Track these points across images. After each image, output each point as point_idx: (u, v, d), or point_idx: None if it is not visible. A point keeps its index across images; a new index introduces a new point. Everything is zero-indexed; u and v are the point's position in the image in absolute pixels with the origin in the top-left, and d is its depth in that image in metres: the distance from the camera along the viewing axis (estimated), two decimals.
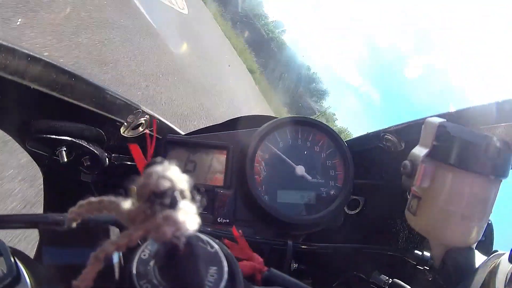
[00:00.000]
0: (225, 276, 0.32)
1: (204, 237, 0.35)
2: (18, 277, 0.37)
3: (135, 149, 0.31)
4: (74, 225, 0.30)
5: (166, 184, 0.23)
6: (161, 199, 0.23)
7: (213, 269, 0.32)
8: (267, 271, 0.46)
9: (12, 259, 0.38)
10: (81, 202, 0.30)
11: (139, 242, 0.27)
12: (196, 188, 0.25)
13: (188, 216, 0.23)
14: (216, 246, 0.34)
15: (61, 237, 0.32)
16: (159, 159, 0.25)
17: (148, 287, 0.30)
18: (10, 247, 0.39)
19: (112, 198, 0.28)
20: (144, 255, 0.32)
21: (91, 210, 0.29)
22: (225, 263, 0.33)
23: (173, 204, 0.23)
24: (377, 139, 0.84)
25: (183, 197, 0.24)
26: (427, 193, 0.49)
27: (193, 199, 0.25)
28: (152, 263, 0.31)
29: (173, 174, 0.24)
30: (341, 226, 0.90)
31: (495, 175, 0.47)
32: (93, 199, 0.29)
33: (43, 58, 0.61)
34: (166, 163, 0.24)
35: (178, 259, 0.24)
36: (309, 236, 0.91)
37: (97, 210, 0.28)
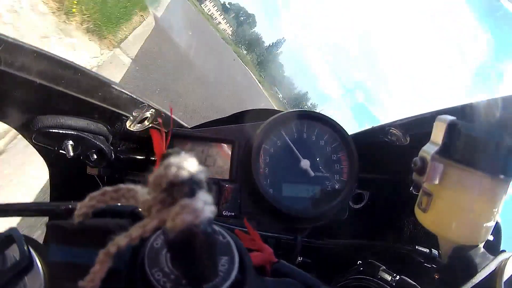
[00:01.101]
0: (236, 266, 0.32)
1: (216, 227, 0.35)
2: (31, 264, 0.38)
3: (156, 136, 0.31)
4: (83, 217, 0.31)
5: (185, 174, 0.23)
6: (180, 188, 0.23)
7: (224, 259, 0.32)
8: (277, 263, 0.46)
9: (26, 247, 0.39)
10: (93, 193, 0.30)
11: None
12: (206, 181, 0.25)
13: (205, 205, 0.23)
14: (228, 237, 0.35)
15: (70, 234, 0.32)
16: (176, 149, 0.25)
17: (159, 275, 0.30)
18: (24, 235, 0.40)
19: (130, 185, 0.28)
20: (157, 244, 0.32)
21: (105, 200, 0.30)
22: (236, 253, 0.33)
23: (192, 193, 0.23)
24: (382, 133, 0.84)
25: (201, 187, 0.24)
26: (438, 191, 0.49)
27: (209, 189, 0.25)
28: (164, 252, 0.31)
29: (191, 165, 0.24)
30: (346, 220, 0.90)
31: (505, 175, 0.47)
32: (108, 188, 0.29)
33: (48, 53, 0.61)
34: (183, 154, 0.25)
35: (194, 248, 0.25)
36: (314, 230, 0.91)
37: (113, 199, 0.29)
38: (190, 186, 0.23)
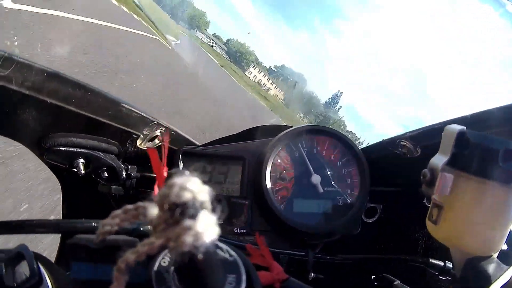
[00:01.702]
0: (243, 284, 0.32)
1: (223, 245, 0.35)
2: (40, 281, 0.38)
3: (153, 155, 0.32)
4: (106, 235, 0.31)
5: (187, 195, 0.23)
6: (182, 210, 0.23)
7: (231, 277, 0.32)
8: (286, 280, 0.46)
9: (35, 264, 0.39)
10: (116, 212, 0.31)
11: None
12: (217, 199, 0.25)
13: (207, 227, 0.23)
14: (235, 255, 0.34)
15: (90, 252, 0.33)
16: (180, 169, 0.26)
17: None
18: (33, 252, 0.40)
19: (146, 203, 0.28)
20: (164, 262, 0.32)
21: (127, 218, 0.30)
22: (243, 272, 0.33)
23: (194, 215, 0.23)
24: (392, 146, 0.83)
25: (204, 208, 0.24)
26: (448, 202, 0.48)
27: (213, 210, 0.25)
28: (172, 270, 0.31)
29: (194, 185, 0.24)
30: (359, 235, 0.89)
31: None
32: (129, 206, 0.30)
33: (59, 73, 0.62)
34: (187, 174, 0.25)
35: (196, 268, 0.25)
36: (326, 245, 0.90)
37: (134, 217, 0.29)
38: (192, 207, 0.23)
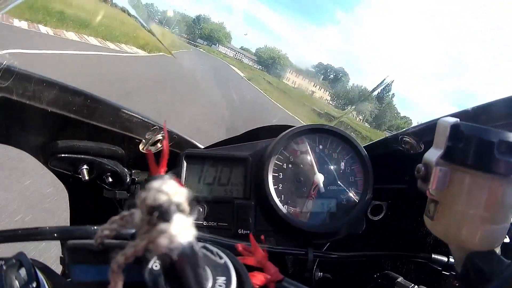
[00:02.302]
0: (233, 286, 0.32)
1: (214, 248, 0.35)
2: (38, 287, 0.39)
3: (150, 159, 0.32)
4: (104, 239, 0.32)
5: (162, 198, 0.24)
6: (157, 213, 0.23)
7: (221, 280, 0.32)
8: (281, 281, 0.46)
9: (33, 270, 0.40)
10: (114, 217, 0.31)
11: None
12: (197, 200, 0.26)
13: (182, 229, 0.23)
14: (225, 257, 0.35)
15: (89, 254, 0.34)
16: (162, 173, 0.26)
17: None
18: (31, 259, 0.41)
19: (129, 212, 0.29)
20: (156, 266, 0.32)
21: (123, 224, 0.31)
22: (233, 273, 0.33)
23: (167, 217, 0.23)
24: (395, 142, 0.83)
25: (180, 210, 0.24)
26: (444, 197, 0.47)
27: (191, 211, 0.25)
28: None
29: (170, 188, 0.24)
30: (365, 233, 0.89)
31: None
32: (125, 212, 0.31)
33: (58, 82, 0.63)
34: (165, 177, 0.25)
35: (174, 270, 0.25)
36: (332, 244, 0.89)
37: (129, 223, 0.30)
38: (166, 209, 0.23)
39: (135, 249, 0.26)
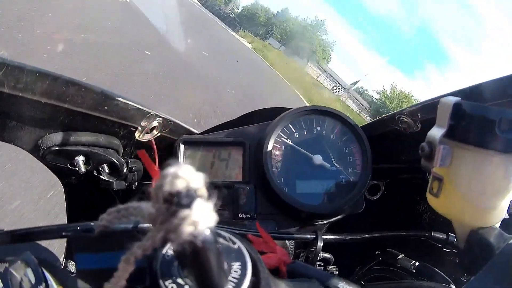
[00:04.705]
0: (249, 270, 0.32)
1: (225, 233, 0.35)
2: (46, 286, 0.39)
3: (143, 155, 0.32)
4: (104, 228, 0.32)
5: (181, 184, 0.23)
6: (177, 199, 0.23)
7: (236, 265, 0.32)
8: (292, 263, 0.46)
9: (40, 270, 0.39)
10: (110, 209, 0.31)
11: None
12: (213, 185, 0.25)
13: (204, 214, 0.23)
14: (239, 242, 0.34)
15: (92, 242, 0.33)
16: (173, 161, 0.25)
17: (173, 287, 0.30)
18: (36, 257, 0.41)
19: (135, 203, 0.28)
20: (168, 256, 0.32)
21: (120, 216, 0.30)
22: (248, 258, 0.33)
23: (189, 203, 0.23)
24: (392, 122, 0.83)
25: (199, 195, 0.24)
26: (448, 174, 0.48)
27: (209, 196, 0.25)
28: (176, 263, 0.31)
29: (187, 173, 0.24)
30: (363, 212, 0.90)
31: None
32: (121, 206, 0.30)
33: (50, 72, 0.61)
34: (180, 163, 0.24)
35: (198, 258, 0.25)
36: (332, 225, 0.90)
37: (125, 216, 0.29)
38: (187, 195, 0.23)
39: (152, 240, 0.26)
